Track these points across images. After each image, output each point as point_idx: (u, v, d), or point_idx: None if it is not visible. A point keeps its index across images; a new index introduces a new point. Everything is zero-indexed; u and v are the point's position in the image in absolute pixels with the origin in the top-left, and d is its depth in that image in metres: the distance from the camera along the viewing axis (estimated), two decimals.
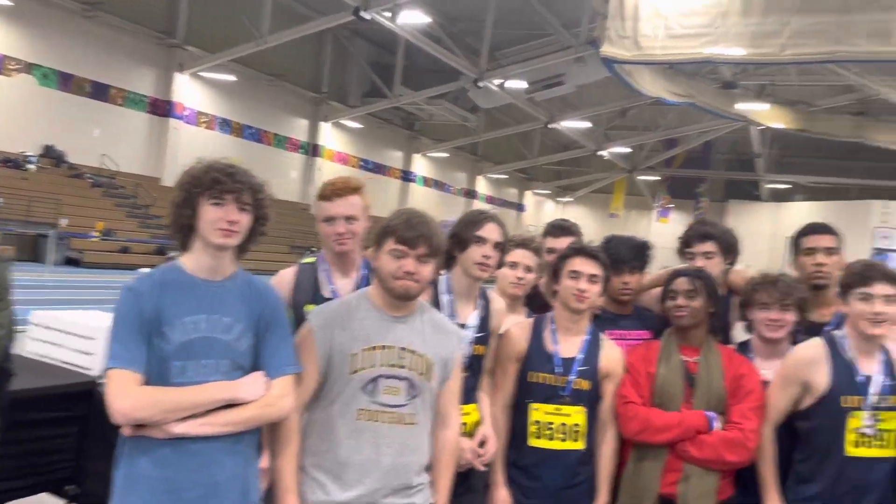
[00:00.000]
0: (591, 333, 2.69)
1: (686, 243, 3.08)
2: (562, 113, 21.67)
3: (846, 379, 2.54)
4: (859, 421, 2.49)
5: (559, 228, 3.27)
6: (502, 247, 2.59)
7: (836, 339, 2.63)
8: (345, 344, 2.00)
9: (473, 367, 2.54)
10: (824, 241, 3.12)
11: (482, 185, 28.15)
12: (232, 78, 18.47)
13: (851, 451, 2.50)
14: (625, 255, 2.90)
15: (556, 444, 2.61)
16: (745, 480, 2.55)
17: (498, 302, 2.74)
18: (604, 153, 24.76)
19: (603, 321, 2.94)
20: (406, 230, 2.00)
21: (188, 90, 18.24)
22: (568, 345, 2.68)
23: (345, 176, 2.55)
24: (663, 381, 2.61)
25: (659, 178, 28.02)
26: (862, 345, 2.57)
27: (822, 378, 2.56)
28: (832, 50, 10.61)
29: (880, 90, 14.36)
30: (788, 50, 10.90)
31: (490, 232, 2.56)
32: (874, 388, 2.52)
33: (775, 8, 10.88)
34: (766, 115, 17.89)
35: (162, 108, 17.87)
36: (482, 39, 16.84)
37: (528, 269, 2.91)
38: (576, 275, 2.62)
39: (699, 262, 2.94)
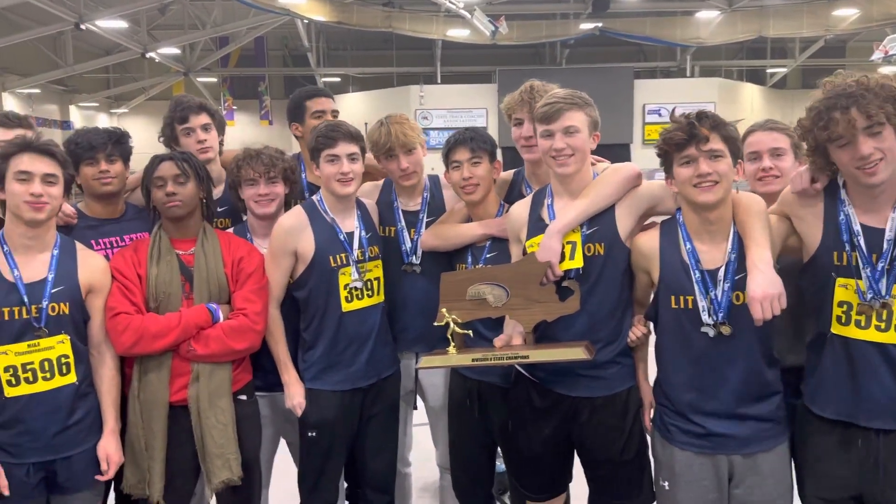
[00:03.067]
0: (61, 247, 2.31)
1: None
2: (92, 12, 19.07)
3: (330, 239, 2.66)
4: (348, 277, 2.64)
5: (6, 118, 2.75)
6: None
7: (316, 203, 2.71)
8: None
9: None
10: (331, 104, 3.27)
11: (9, 103, 23.72)
12: None
13: (346, 306, 2.65)
14: (96, 140, 2.55)
15: (39, 386, 2.23)
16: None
17: None
18: (153, 55, 22.72)
19: (84, 230, 2.57)
20: None
21: None
22: (32, 266, 2.26)
23: None
24: (157, 281, 2.39)
25: (217, 79, 27.03)
26: (337, 205, 2.70)
27: (308, 243, 2.63)
28: None
29: None
30: None
31: None
32: (356, 244, 2.69)
33: None
34: (305, 7, 18.23)
35: None
36: None
37: None
38: (25, 176, 2.18)
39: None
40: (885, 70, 26.04)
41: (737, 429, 2.20)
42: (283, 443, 3.01)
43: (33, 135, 2.34)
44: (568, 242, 2.36)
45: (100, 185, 2.58)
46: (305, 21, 20.76)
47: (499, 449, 3.02)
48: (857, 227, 2.06)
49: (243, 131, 26.19)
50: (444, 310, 2.40)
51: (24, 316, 2.19)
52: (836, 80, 2.02)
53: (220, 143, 3.12)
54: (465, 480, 2.94)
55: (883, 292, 2.03)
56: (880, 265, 2.02)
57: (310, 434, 2.69)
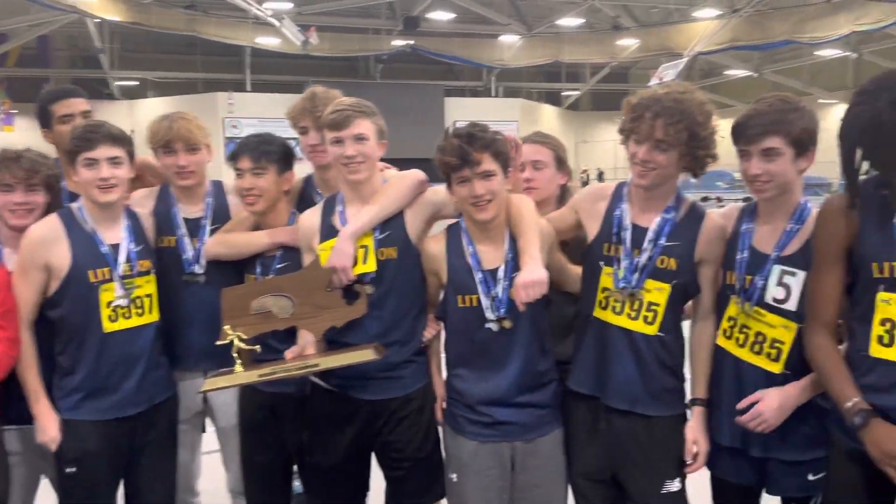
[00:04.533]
0: None
1: None
2: None
3: (90, 252, 2.42)
4: (111, 294, 2.41)
5: None
6: None
7: (74, 211, 2.47)
8: None
9: None
10: (81, 104, 2.97)
11: None
12: None
13: (109, 326, 2.41)
14: None
15: None
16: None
17: None
18: None
19: None
20: None
21: None
22: None
23: None
24: None
25: None
26: (99, 214, 2.47)
27: (62, 256, 2.37)
28: None
29: None
30: None
31: None
32: (122, 257, 2.47)
33: None
34: (98, 6, 16.91)
35: None
36: None
37: None
38: None
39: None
40: None
41: (518, 416, 2.32)
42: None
43: None
44: (361, 247, 2.36)
45: None
46: (97, 20, 19.22)
47: (294, 468, 2.92)
48: (627, 223, 2.27)
49: (25, 137, 23.53)
50: (227, 327, 2.26)
51: None
52: (672, 84, 2.23)
53: None
54: (260, 501, 2.81)
55: (633, 283, 2.24)
56: (636, 260, 2.24)
57: (67, 470, 2.40)
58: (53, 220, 2.37)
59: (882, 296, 1.83)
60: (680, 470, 2.27)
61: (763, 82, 27.72)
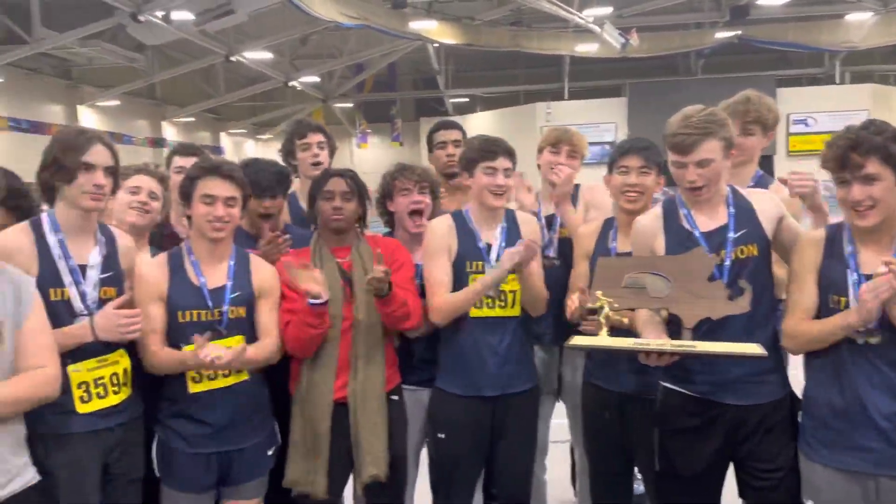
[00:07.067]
0: (236, 257, 2.51)
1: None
2: (241, 45, 20.52)
3: (471, 245, 2.75)
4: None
5: (186, 147, 3.06)
6: (115, 171, 2.28)
7: (464, 212, 2.82)
8: None
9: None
10: (453, 134, 3.42)
11: (170, 132, 25.99)
12: None
13: (474, 312, 2.76)
14: (265, 180, 2.79)
15: (220, 383, 2.44)
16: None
17: (125, 238, 2.42)
18: (295, 84, 24.14)
19: (243, 242, 2.77)
20: None
21: None
22: (214, 273, 2.48)
23: None
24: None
25: (353, 104, 28.27)
26: (483, 214, 2.78)
27: (453, 246, 2.75)
28: None
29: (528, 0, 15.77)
30: None
31: (98, 156, 2.22)
32: (493, 255, 2.76)
33: None
34: (436, 31, 18.75)
35: None
36: None
37: (153, 196, 2.65)
38: (210, 199, 2.40)
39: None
40: None
41: (884, 443, 2.06)
42: None
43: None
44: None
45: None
46: (435, 45, 21.33)
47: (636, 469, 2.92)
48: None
49: (374, 153, 27.21)
50: (599, 293, 2.30)
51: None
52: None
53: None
54: (606, 497, 2.88)
55: None
56: None
57: (438, 435, 2.77)
58: (447, 218, 2.78)
59: None
60: None
61: None
